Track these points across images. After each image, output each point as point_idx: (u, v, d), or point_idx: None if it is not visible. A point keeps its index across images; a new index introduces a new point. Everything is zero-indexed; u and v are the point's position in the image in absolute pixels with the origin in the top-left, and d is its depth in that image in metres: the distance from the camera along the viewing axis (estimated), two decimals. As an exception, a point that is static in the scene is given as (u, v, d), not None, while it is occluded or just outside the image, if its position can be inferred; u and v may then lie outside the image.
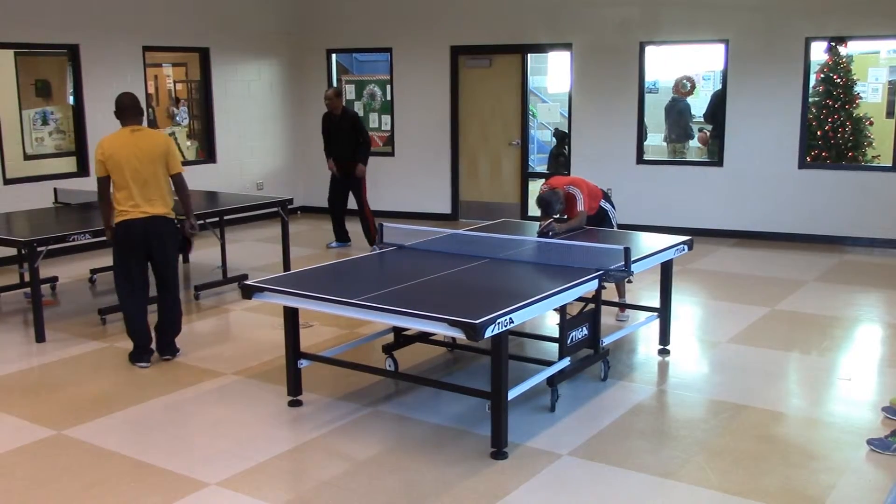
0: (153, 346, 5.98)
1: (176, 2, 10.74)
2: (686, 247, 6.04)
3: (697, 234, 8.50)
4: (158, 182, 5.70)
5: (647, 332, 6.44)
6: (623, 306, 6.90)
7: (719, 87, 10.49)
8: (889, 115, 10.92)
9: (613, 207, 6.95)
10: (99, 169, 5.66)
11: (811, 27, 9.70)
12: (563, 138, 11.53)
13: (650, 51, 10.53)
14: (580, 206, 6.41)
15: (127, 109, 5.73)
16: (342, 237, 10.14)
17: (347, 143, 9.78)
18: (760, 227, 10.20)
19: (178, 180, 5.84)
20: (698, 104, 11.61)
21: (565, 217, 6.49)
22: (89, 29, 9.77)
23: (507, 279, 5.14)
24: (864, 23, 9.52)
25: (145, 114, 6.53)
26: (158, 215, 5.72)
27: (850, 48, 10.08)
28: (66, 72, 9.90)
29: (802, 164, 9.97)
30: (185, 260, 9.02)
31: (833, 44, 9.91)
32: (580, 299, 5.13)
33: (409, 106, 11.95)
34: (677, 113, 11.57)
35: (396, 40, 11.84)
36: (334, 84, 12.42)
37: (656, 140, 11.78)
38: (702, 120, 11.45)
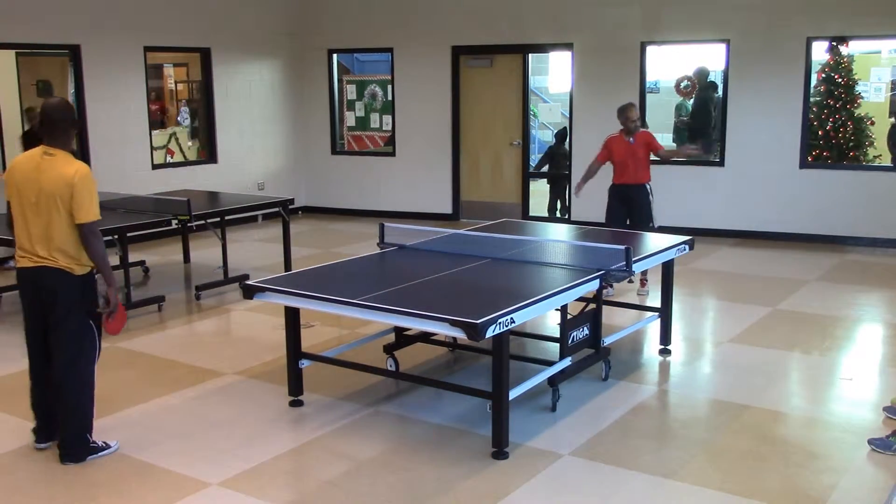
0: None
1: (177, 2, 10.74)
2: (687, 247, 6.04)
3: (698, 234, 8.49)
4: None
5: (648, 331, 6.44)
6: (643, 282, 7.59)
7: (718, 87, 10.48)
8: (893, 114, 10.89)
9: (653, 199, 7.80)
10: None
11: (812, 27, 9.70)
12: (562, 138, 11.57)
13: (651, 50, 10.53)
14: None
15: (56, 124, 4.28)
16: None
17: None
18: (761, 227, 10.19)
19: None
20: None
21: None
22: (90, 29, 9.77)
23: (508, 279, 5.13)
24: (866, 22, 9.51)
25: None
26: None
27: (851, 48, 10.07)
28: (68, 72, 9.90)
29: (804, 164, 9.96)
30: (186, 260, 9.03)
31: (834, 43, 9.90)
32: (581, 299, 5.14)
33: (410, 106, 11.95)
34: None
35: (397, 40, 11.84)
36: (335, 84, 12.42)
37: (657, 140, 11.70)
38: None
